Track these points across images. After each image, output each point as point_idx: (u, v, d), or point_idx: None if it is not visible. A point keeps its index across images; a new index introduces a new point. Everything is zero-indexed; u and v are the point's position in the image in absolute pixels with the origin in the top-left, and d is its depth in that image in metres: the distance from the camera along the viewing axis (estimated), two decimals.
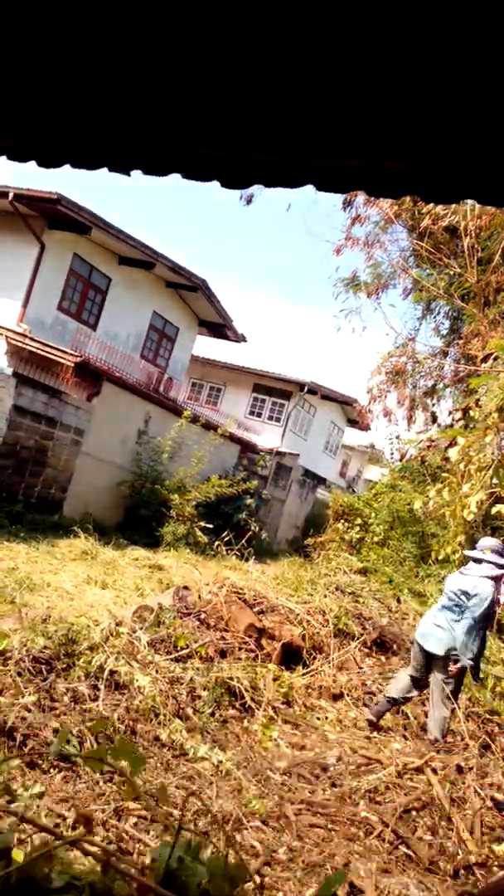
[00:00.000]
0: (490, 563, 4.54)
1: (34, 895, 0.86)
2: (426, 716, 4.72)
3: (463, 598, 4.47)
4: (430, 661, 4.59)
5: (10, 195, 11.15)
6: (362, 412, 13.96)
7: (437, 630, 4.53)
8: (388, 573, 10.26)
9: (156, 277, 15.22)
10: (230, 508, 13.89)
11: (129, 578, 8.11)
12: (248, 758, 3.70)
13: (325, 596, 6.62)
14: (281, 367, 50.63)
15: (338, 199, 13.37)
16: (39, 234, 12.07)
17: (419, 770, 3.74)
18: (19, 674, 3.49)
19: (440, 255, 11.37)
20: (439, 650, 4.46)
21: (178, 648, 4.64)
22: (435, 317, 13.27)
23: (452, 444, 7.48)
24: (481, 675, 5.31)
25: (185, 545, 11.33)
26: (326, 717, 4.79)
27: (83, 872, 0.92)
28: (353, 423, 22.57)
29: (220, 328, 17.91)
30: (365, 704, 5.16)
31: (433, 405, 13.01)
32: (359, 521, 12.74)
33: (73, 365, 10.98)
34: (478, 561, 4.62)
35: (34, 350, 11.12)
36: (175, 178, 1.21)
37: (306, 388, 19.34)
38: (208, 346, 21.65)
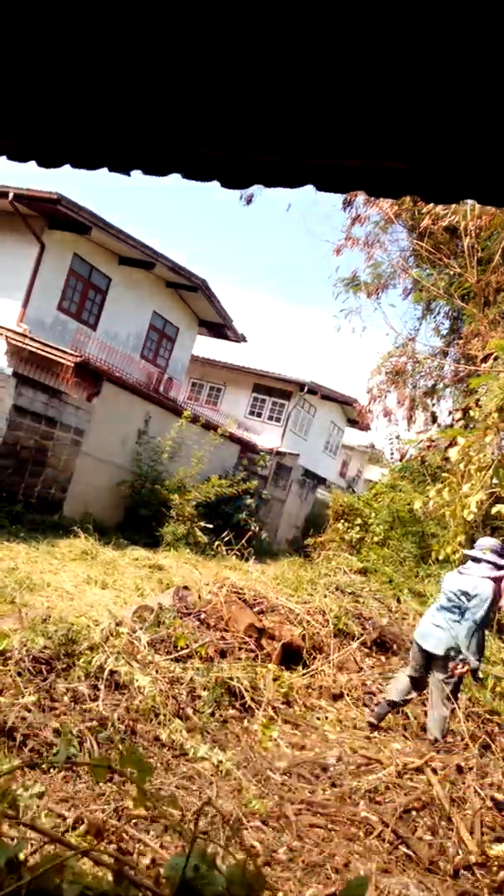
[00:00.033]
0: (490, 563, 4.53)
1: None
2: (426, 716, 4.72)
3: (463, 598, 4.46)
4: (429, 661, 4.59)
5: (10, 195, 11.15)
6: (362, 412, 13.96)
7: (437, 630, 4.52)
8: (388, 573, 10.26)
9: (156, 277, 15.22)
10: (230, 508, 13.89)
11: (129, 578, 8.11)
12: (248, 758, 3.70)
13: (325, 596, 6.62)
14: (281, 367, 50.63)
15: (338, 199, 13.37)
16: (39, 234, 12.07)
17: (419, 770, 3.74)
18: (19, 674, 3.49)
19: (440, 255, 11.37)
20: (439, 650, 4.46)
21: (178, 648, 4.64)
22: (435, 317, 13.29)
23: (452, 444, 7.48)
24: (481, 675, 5.31)
25: (185, 545, 11.33)
26: (326, 717, 4.79)
27: (95, 882, 0.90)
28: (353, 423, 22.57)
29: (220, 328, 17.91)
30: (365, 704, 5.16)
31: (433, 405, 13.01)
32: (359, 521, 12.74)
33: (73, 365, 10.98)
34: (477, 560, 4.61)
35: (34, 350, 11.12)
36: (175, 178, 1.21)
37: (306, 388, 19.34)
38: (208, 346, 21.66)
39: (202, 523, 11.83)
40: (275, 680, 4.93)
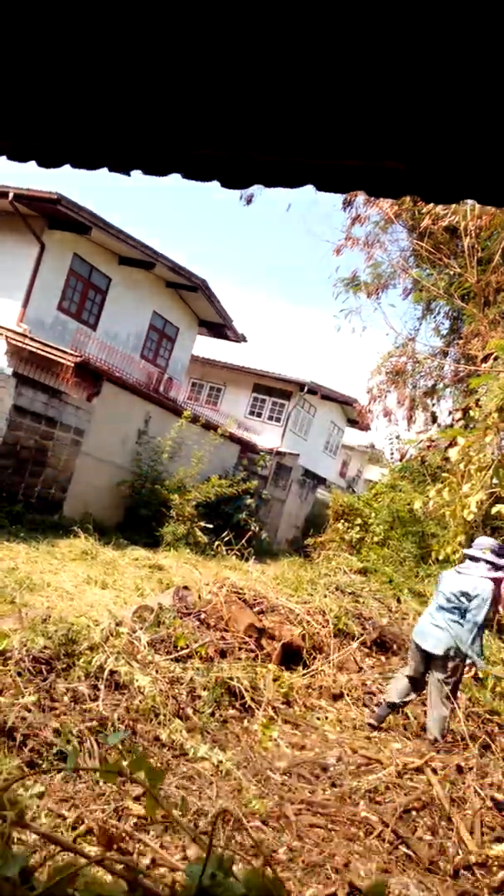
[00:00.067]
0: (488, 562, 4.53)
1: None
2: (426, 716, 4.72)
3: (463, 599, 4.45)
4: (428, 661, 4.59)
5: (10, 195, 11.15)
6: (362, 412, 13.96)
7: (436, 630, 4.52)
8: (388, 573, 10.26)
9: (156, 277, 15.22)
10: (230, 508, 13.89)
11: (129, 578, 8.11)
12: (248, 758, 3.70)
13: (325, 596, 6.62)
14: (281, 367, 50.66)
15: (338, 199, 13.37)
16: (39, 234, 12.07)
17: (419, 770, 3.74)
18: (19, 674, 3.49)
19: (440, 255, 11.37)
20: (438, 650, 4.46)
21: (178, 648, 4.64)
22: (435, 317, 13.29)
23: (452, 444, 7.48)
24: (480, 675, 5.31)
25: (185, 545, 11.33)
26: (326, 717, 4.79)
27: (109, 891, 0.89)
28: (353, 423, 22.57)
29: (220, 328, 17.91)
30: (365, 705, 5.16)
31: (433, 405, 13.01)
32: (359, 521, 12.73)
33: (73, 365, 10.98)
34: (475, 560, 4.60)
35: (34, 350, 11.12)
36: (175, 178, 1.21)
37: (306, 388, 19.34)
38: (208, 346, 21.68)
39: (202, 523, 11.83)
40: (275, 680, 4.93)
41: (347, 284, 12.92)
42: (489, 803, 3.39)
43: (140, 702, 3.68)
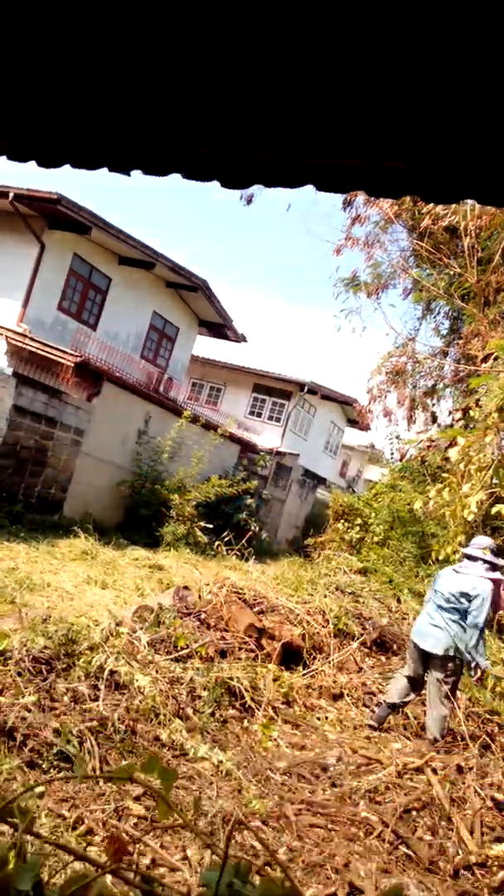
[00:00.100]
0: (487, 562, 4.53)
1: None
2: (426, 715, 4.72)
3: (462, 600, 4.44)
4: (426, 661, 4.59)
5: (10, 195, 11.15)
6: (362, 412, 13.96)
7: (435, 630, 4.52)
8: (388, 573, 10.25)
9: (156, 277, 15.22)
10: (230, 508, 13.89)
11: (129, 578, 8.11)
12: (248, 758, 3.70)
13: (325, 596, 6.62)
14: (281, 367, 50.66)
15: (338, 199, 13.37)
16: (39, 234, 12.07)
17: (419, 770, 3.74)
18: (19, 674, 3.49)
19: (440, 255, 11.37)
20: (438, 650, 4.46)
21: (178, 648, 4.64)
22: (435, 317, 13.29)
23: (452, 444, 7.48)
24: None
25: (185, 545, 11.33)
26: (326, 718, 4.79)
27: None
28: (353, 423, 22.57)
29: (220, 328, 17.91)
30: (365, 705, 5.16)
31: (433, 405, 13.02)
32: (359, 521, 12.73)
33: (73, 365, 10.98)
34: (473, 559, 4.60)
35: (34, 350, 11.12)
36: (175, 178, 1.21)
37: (306, 388, 19.34)
38: (208, 346, 21.66)
39: (202, 523, 11.83)
40: (275, 680, 4.93)
41: (347, 284, 12.93)
42: (489, 803, 3.39)
43: (140, 702, 3.68)
